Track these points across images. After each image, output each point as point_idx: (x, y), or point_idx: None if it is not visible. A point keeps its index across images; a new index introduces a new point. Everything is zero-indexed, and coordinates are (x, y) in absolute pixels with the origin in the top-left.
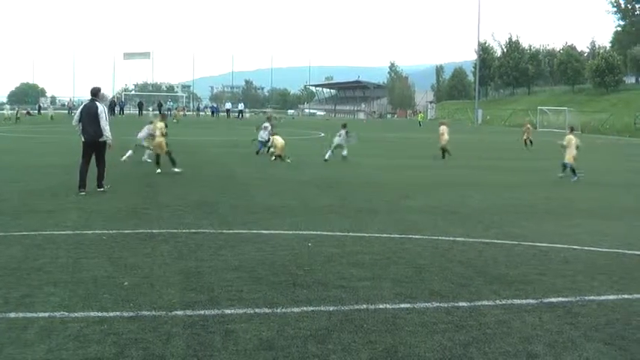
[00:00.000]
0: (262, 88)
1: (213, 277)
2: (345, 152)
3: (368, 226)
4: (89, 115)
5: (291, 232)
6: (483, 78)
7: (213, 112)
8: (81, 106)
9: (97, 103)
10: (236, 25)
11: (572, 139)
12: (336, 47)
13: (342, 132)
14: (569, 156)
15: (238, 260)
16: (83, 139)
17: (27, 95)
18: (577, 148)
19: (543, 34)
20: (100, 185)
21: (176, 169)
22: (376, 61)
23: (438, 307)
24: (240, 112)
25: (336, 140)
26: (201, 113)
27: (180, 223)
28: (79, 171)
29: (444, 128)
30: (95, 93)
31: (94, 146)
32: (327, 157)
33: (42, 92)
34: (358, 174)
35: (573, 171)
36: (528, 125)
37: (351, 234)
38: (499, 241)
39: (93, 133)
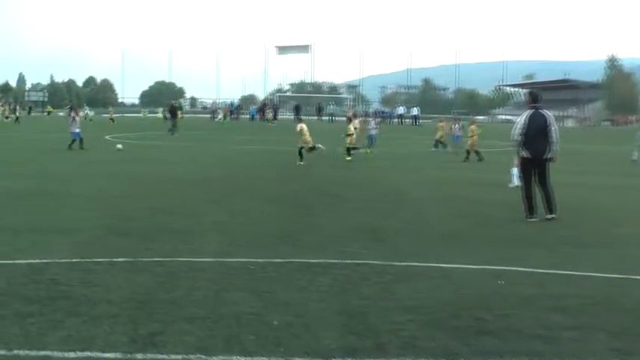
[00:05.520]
0: (445, 89)
1: (381, 319)
2: None
3: (575, 262)
4: (537, 126)
5: (476, 267)
6: None
7: (383, 118)
8: (524, 116)
9: (544, 111)
10: (413, 13)
11: None
12: (537, 38)
13: None
14: None
15: (411, 299)
16: (526, 155)
17: (162, 95)
18: None
19: None
20: (549, 210)
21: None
22: (589, 54)
23: None
24: (415, 117)
25: None
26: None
27: (342, 251)
28: (524, 195)
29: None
30: (536, 98)
31: (538, 163)
32: None
33: (180, 92)
34: (558, 195)
35: None
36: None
37: (553, 271)
38: None
39: (541, 148)
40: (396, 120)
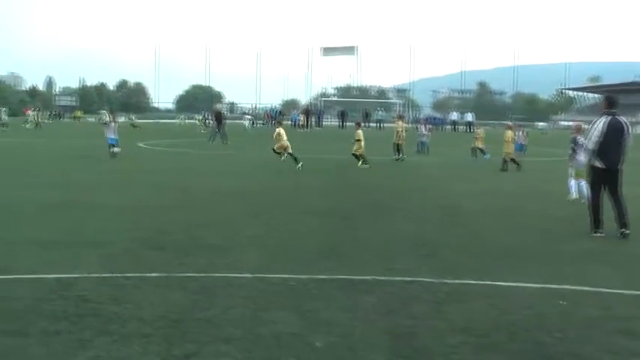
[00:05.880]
0: (502, 93)
1: (432, 341)
2: None
3: None
4: (614, 134)
5: (536, 285)
6: None
7: (434, 124)
8: (600, 122)
9: (620, 118)
10: (468, 11)
11: None
12: (603, 37)
13: None
14: None
15: (465, 320)
16: (600, 165)
17: (198, 100)
18: None
19: None
20: (623, 224)
21: None
22: None
23: None
24: (469, 123)
25: None
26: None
27: (390, 268)
28: (591, 207)
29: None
30: (614, 103)
31: (612, 174)
32: None
33: (218, 97)
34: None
35: None
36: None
37: (620, 291)
38: None
39: (615, 158)
40: (449, 126)
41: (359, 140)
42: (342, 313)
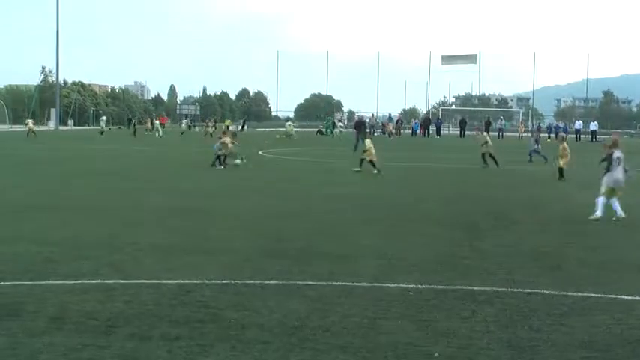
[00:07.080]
0: (628, 101)
1: (553, 354)
2: None
3: None
4: None
5: None
6: None
7: (556, 133)
8: None
9: None
10: (592, 16)
11: None
12: None
13: None
14: None
15: (588, 334)
16: None
17: (318, 109)
18: None
19: None
20: None
21: None
22: None
23: None
24: (593, 133)
25: None
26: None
27: (510, 279)
28: None
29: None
30: None
31: None
32: None
33: (337, 106)
34: None
35: None
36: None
37: None
38: None
39: None
40: (572, 136)
41: (367, 151)
42: (461, 323)
